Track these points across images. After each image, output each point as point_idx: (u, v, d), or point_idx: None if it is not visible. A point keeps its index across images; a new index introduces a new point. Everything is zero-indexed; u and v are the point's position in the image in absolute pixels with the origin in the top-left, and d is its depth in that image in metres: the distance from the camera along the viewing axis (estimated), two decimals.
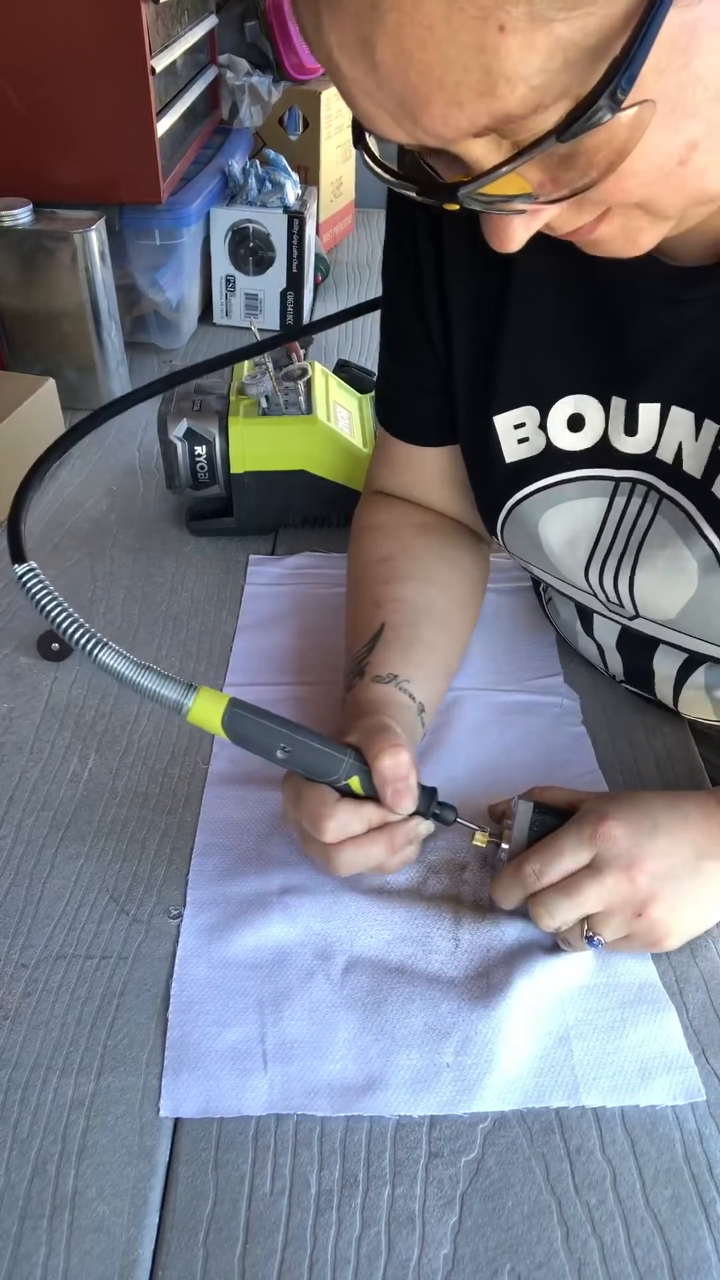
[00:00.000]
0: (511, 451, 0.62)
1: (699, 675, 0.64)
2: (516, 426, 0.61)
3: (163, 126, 1.11)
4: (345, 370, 1.02)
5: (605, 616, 0.66)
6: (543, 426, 0.60)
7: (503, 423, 0.61)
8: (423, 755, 0.67)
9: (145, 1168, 0.46)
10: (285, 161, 1.34)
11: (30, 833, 0.62)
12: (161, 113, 1.11)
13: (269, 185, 1.29)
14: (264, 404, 0.85)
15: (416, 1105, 0.49)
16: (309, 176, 1.49)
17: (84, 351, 1.07)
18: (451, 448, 0.69)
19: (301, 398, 0.86)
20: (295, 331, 0.90)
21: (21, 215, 1.00)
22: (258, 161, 1.33)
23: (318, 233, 1.42)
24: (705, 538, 0.55)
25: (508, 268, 0.57)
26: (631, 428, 0.56)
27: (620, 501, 0.59)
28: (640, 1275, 0.43)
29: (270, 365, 0.86)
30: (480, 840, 0.56)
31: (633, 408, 0.56)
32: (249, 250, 1.29)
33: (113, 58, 1.02)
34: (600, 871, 0.51)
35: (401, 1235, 0.44)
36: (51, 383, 0.98)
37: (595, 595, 0.63)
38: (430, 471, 0.72)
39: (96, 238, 1.01)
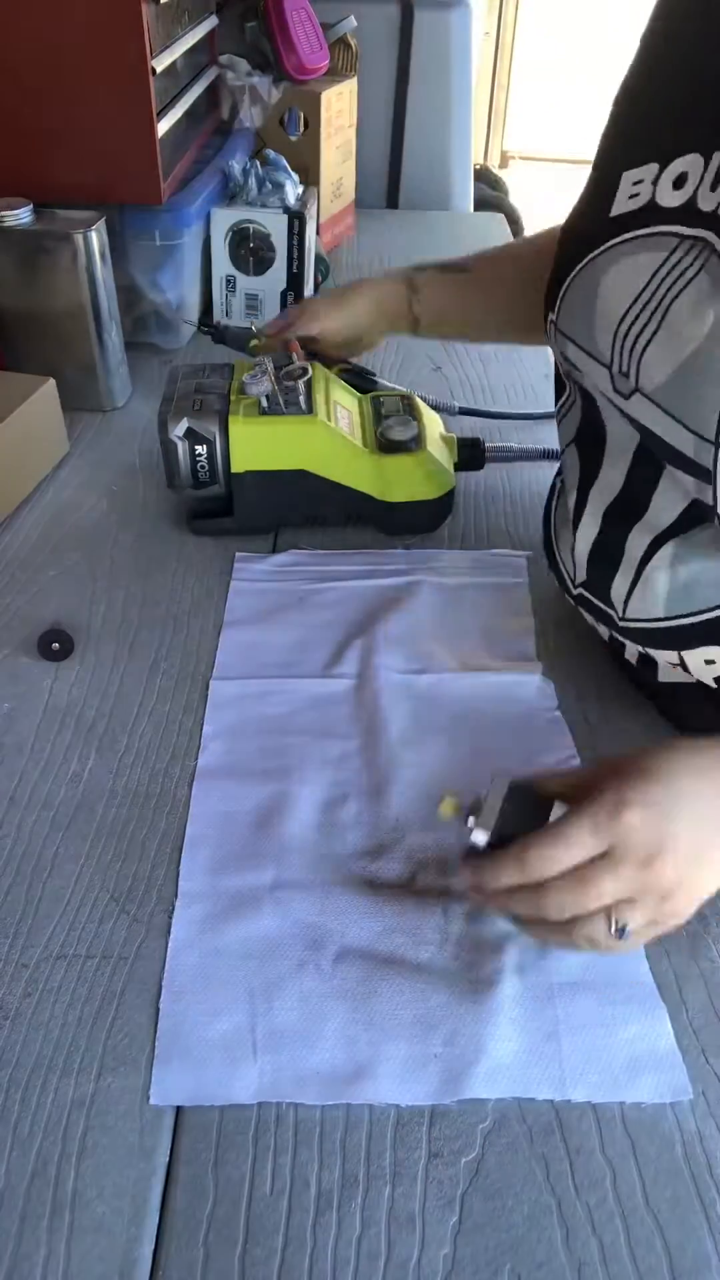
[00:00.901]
0: (620, 205, 0.62)
1: (668, 549, 0.63)
2: (635, 183, 0.61)
3: (163, 127, 1.11)
4: (345, 370, 1.02)
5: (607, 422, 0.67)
6: (655, 182, 0.60)
7: (627, 178, 0.61)
8: (399, 743, 0.68)
9: (145, 1168, 0.46)
10: (285, 162, 1.34)
11: (30, 833, 0.62)
12: (161, 113, 1.11)
13: (269, 186, 1.29)
14: (264, 403, 0.85)
15: (404, 1094, 0.49)
16: (309, 177, 1.49)
17: (84, 351, 1.07)
18: None
19: (302, 397, 0.86)
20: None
21: (21, 215, 1.00)
22: (258, 162, 1.33)
23: (318, 233, 1.42)
24: None
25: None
26: (717, 182, 0.56)
27: (675, 258, 0.58)
28: (640, 1275, 0.43)
29: (270, 365, 0.86)
30: (447, 809, 0.53)
31: None
32: (249, 251, 1.29)
33: (113, 58, 1.02)
34: (618, 863, 0.48)
35: (401, 1235, 0.44)
36: (51, 383, 0.98)
37: (610, 365, 0.63)
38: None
39: (96, 238, 1.01)
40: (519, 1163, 0.47)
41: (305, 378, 0.88)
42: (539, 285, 0.71)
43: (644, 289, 0.60)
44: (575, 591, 0.72)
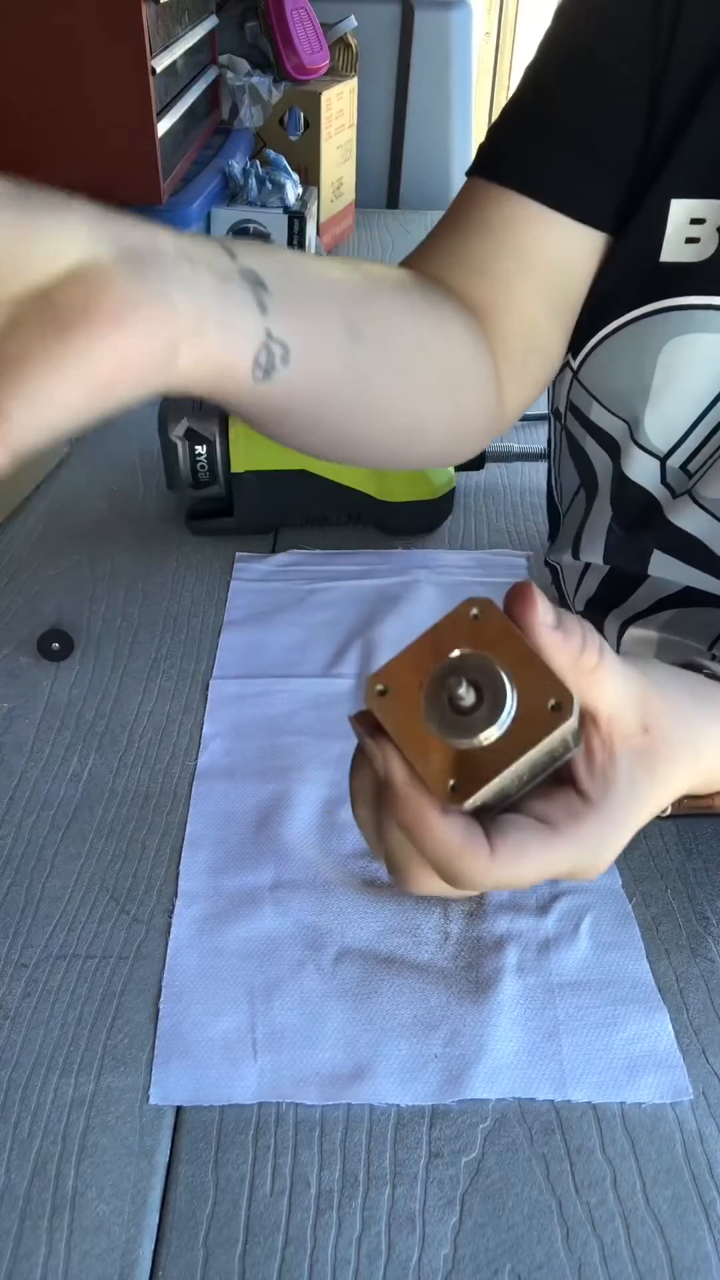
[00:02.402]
0: (673, 249, 0.50)
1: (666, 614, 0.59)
2: (694, 222, 0.49)
3: (163, 127, 1.11)
4: None
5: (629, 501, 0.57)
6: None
7: (680, 210, 0.49)
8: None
9: (145, 1168, 0.46)
10: (285, 162, 1.34)
11: (30, 833, 0.62)
12: (162, 113, 1.11)
13: (269, 186, 1.30)
14: None
15: (404, 1094, 0.49)
16: (309, 177, 1.49)
17: None
18: (578, 238, 0.52)
19: None
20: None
21: None
22: (258, 162, 1.33)
23: (318, 233, 1.42)
24: None
25: None
26: None
27: None
28: (640, 1275, 0.43)
29: None
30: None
31: None
32: None
33: (113, 58, 1.03)
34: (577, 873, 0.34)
35: (402, 1235, 0.44)
36: None
37: (665, 458, 0.54)
38: (538, 254, 0.52)
39: None
40: (519, 1163, 0.47)
41: None
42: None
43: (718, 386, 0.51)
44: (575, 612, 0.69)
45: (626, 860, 0.61)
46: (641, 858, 0.61)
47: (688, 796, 0.38)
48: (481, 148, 0.55)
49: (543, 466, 1.03)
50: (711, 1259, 0.44)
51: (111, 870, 0.60)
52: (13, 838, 0.62)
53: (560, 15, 0.53)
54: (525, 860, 0.31)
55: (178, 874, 0.60)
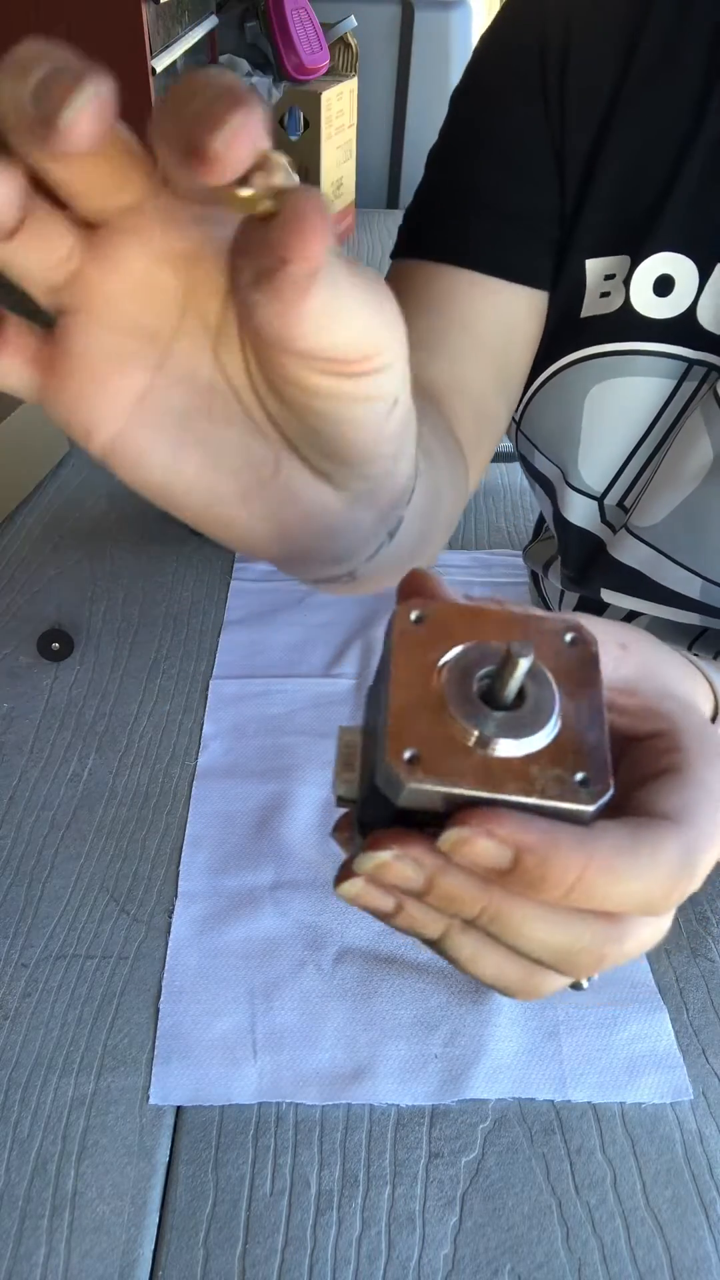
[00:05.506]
0: (592, 304, 0.52)
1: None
2: (607, 278, 0.52)
3: None
4: None
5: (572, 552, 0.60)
6: (626, 281, 0.51)
7: (594, 268, 0.52)
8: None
9: (145, 1168, 0.46)
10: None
11: (30, 833, 0.62)
12: None
13: None
14: None
15: (404, 1094, 0.49)
16: (309, 177, 1.49)
17: None
18: (517, 300, 0.53)
19: None
20: None
21: None
22: None
23: None
24: None
25: (636, 79, 0.48)
26: None
27: (687, 388, 0.51)
28: (640, 1275, 0.43)
29: None
30: None
31: None
32: None
33: (113, 58, 1.02)
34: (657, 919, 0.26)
35: (402, 1235, 0.44)
36: None
37: (602, 497, 0.56)
38: (480, 322, 0.53)
39: None
40: (519, 1163, 0.47)
41: None
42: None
43: (653, 425, 0.53)
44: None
45: None
46: None
47: None
48: (401, 231, 0.56)
49: None
50: (711, 1259, 0.44)
51: (111, 870, 0.60)
52: (13, 838, 0.62)
53: (456, 99, 0.55)
54: (698, 858, 0.23)
55: (178, 874, 0.60)
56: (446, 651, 0.24)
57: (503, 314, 0.53)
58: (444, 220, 0.54)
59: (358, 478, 0.27)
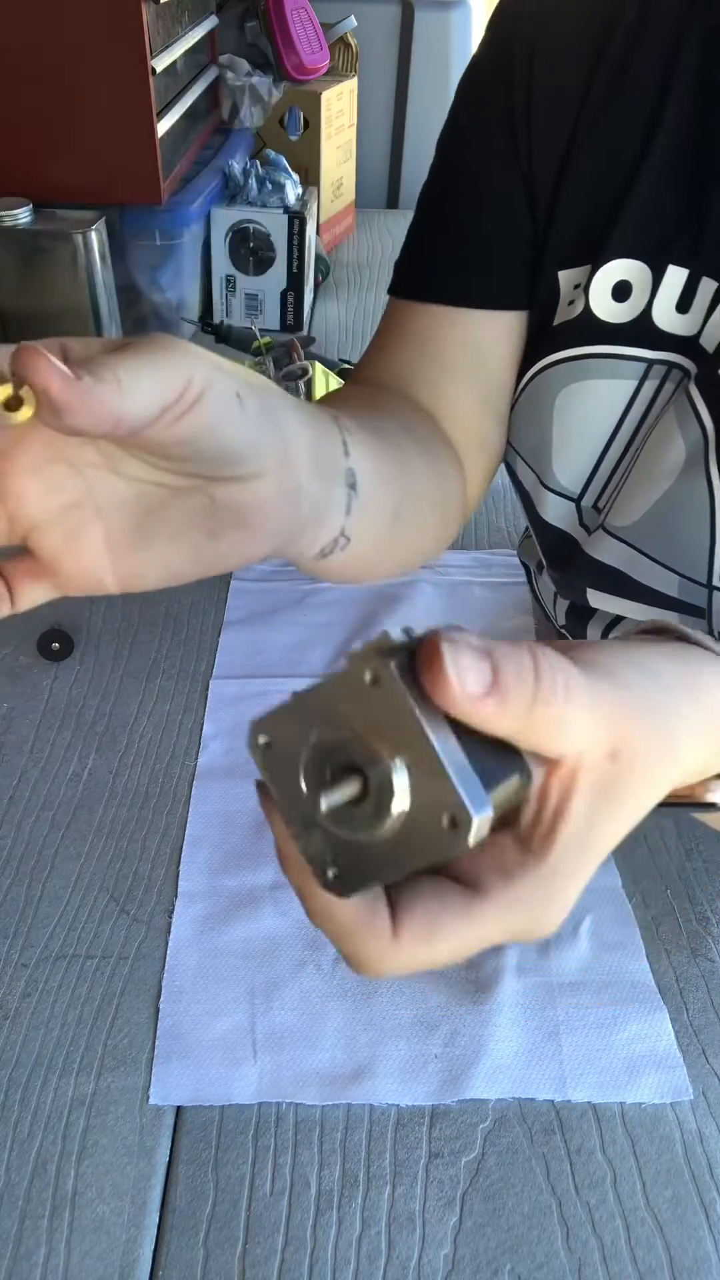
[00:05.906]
0: (561, 313, 0.55)
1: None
2: (575, 286, 0.54)
3: (163, 127, 1.11)
4: (347, 369, 1.02)
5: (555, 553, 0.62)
6: (585, 288, 0.53)
7: (566, 278, 0.54)
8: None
9: (145, 1168, 0.46)
10: (285, 162, 1.34)
11: (30, 833, 0.62)
12: (162, 113, 1.11)
13: (269, 186, 1.30)
14: None
15: (404, 1094, 0.49)
16: (309, 177, 1.49)
17: None
18: (484, 324, 0.56)
19: (302, 396, 0.86)
20: None
21: (21, 215, 0.99)
22: (258, 162, 1.33)
23: (318, 233, 1.42)
24: (703, 426, 0.50)
25: (600, 99, 0.51)
26: (685, 303, 0.51)
27: (650, 387, 0.53)
28: (640, 1275, 0.43)
29: (270, 365, 0.86)
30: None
31: (693, 281, 0.50)
32: (249, 250, 1.29)
33: (113, 58, 1.02)
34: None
35: (402, 1235, 0.44)
36: None
37: (579, 500, 0.58)
38: (449, 351, 0.57)
39: (96, 238, 1.01)
40: (519, 1163, 0.47)
41: (305, 378, 0.88)
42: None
43: (619, 426, 0.55)
44: (558, 625, 0.70)
45: (626, 860, 0.61)
46: (642, 858, 0.61)
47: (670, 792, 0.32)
48: (395, 268, 0.60)
49: None
50: (711, 1259, 0.44)
51: (111, 870, 0.60)
52: (13, 838, 0.62)
53: (441, 145, 0.59)
54: (439, 939, 0.26)
55: (178, 874, 0.60)
56: (297, 767, 0.26)
57: (468, 340, 0.57)
58: (419, 258, 0.59)
59: (258, 458, 0.33)
